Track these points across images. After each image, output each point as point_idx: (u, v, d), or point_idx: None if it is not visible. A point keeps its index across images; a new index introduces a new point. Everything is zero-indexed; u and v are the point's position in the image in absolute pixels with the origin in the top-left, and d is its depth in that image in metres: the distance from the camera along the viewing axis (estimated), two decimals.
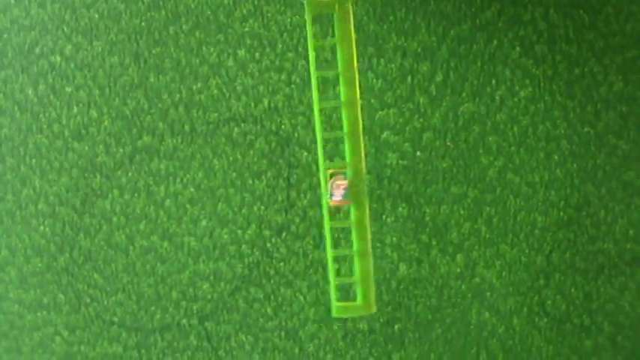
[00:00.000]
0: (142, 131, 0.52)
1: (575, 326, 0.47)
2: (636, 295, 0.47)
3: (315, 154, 0.48)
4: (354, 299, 0.40)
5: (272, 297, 0.51)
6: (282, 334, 0.51)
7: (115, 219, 0.53)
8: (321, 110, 0.39)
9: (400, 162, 0.49)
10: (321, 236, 0.49)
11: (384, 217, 0.49)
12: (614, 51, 0.46)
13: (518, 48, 0.47)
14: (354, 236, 0.39)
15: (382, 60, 0.48)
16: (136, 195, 0.52)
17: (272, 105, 0.50)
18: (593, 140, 0.47)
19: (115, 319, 0.53)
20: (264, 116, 0.50)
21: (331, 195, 0.38)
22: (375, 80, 0.48)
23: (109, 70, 0.52)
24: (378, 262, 0.49)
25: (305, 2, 0.38)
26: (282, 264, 0.51)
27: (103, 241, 0.53)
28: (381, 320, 0.49)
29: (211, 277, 0.52)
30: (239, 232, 0.51)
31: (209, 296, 0.52)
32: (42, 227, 0.54)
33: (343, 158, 0.39)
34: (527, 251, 0.48)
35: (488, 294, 0.48)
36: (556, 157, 0.47)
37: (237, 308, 0.52)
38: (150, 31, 0.51)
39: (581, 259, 0.47)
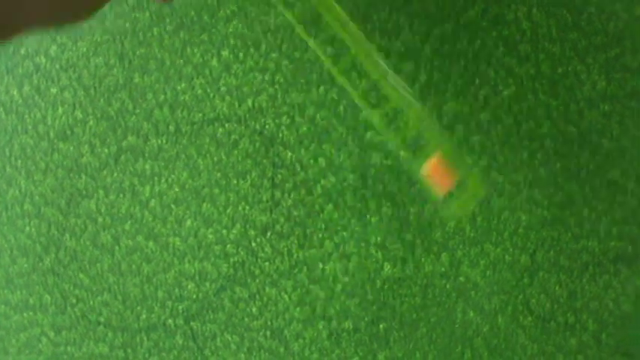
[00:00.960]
0: (127, 131, 0.52)
1: (560, 324, 0.48)
2: (620, 292, 0.47)
3: (300, 154, 0.48)
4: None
5: (257, 296, 0.51)
6: (268, 333, 0.51)
7: (100, 219, 0.53)
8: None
9: (384, 161, 0.49)
10: (305, 236, 0.49)
11: (368, 216, 0.49)
12: (597, 50, 0.46)
13: (501, 47, 0.47)
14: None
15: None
16: (121, 195, 0.52)
17: (256, 105, 0.50)
18: (576, 139, 0.47)
19: (101, 319, 0.53)
20: (249, 116, 0.50)
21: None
22: (358, 80, 0.49)
23: (94, 71, 0.52)
24: (362, 261, 0.49)
25: None
26: (267, 263, 0.51)
27: (88, 241, 0.53)
28: (366, 319, 0.50)
29: (197, 277, 0.52)
30: (224, 231, 0.51)
31: (194, 296, 0.52)
32: (28, 228, 0.54)
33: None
34: (511, 250, 0.48)
35: (472, 293, 0.48)
36: (540, 156, 0.47)
37: (222, 308, 0.52)
38: (134, 32, 0.51)
39: (565, 257, 0.47)
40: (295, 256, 0.50)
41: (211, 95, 0.51)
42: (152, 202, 0.52)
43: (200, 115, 0.51)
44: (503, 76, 0.47)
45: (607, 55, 0.46)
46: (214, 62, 0.50)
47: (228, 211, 0.51)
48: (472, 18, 0.47)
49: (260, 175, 0.50)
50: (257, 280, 0.51)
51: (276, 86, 0.49)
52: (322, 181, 0.49)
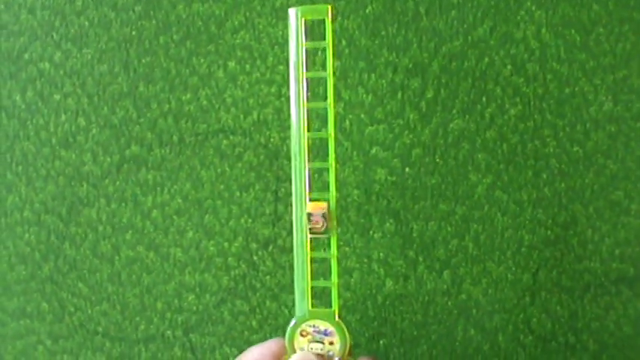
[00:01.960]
0: (130, 140, 0.52)
1: (561, 344, 0.48)
2: (622, 314, 0.47)
3: None
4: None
5: (257, 310, 0.51)
6: None
7: (100, 228, 0.52)
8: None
9: (389, 178, 0.49)
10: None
11: (371, 232, 0.49)
12: (605, 71, 0.46)
13: (509, 66, 0.47)
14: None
15: (373, 75, 0.48)
16: (122, 204, 0.52)
17: (261, 117, 0.50)
18: (581, 159, 0.47)
19: (99, 329, 0.53)
20: (253, 129, 0.50)
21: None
22: (365, 95, 0.48)
23: (98, 78, 0.52)
24: (364, 277, 0.49)
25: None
26: (268, 277, 0.50)
27: (88, 250, 0.52)
28: (367, 335, 0.49)
29: (197, 289, 0.51)
30: (225, 244, 0.51)
31: (194, 308, 0.52)
32: (27, 235, 0.53)
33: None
34: (513, 269, 0.48)
35: (474, 311, 0.48)
36: (544, 176, 0.47)
37: (222, 320, 0.51)
38: (140, 40, 0.51)
39: (568, 277, 0.47)
40: None
41: (216, 106, 0.50)
42: (154, 213, 0.51)
43: (204, 126, 0.51)
44: (510, 95, 0.47)
45: (615, 76, 0.46)
46: (220, 73, 0.50)
47: (230, 223, 0.51)
48: (481, 36, 0.47)
49: (263, 189, 0.50)
50: (258, 294, 0.51)
51: (282, 99, 0.49)
52: None
